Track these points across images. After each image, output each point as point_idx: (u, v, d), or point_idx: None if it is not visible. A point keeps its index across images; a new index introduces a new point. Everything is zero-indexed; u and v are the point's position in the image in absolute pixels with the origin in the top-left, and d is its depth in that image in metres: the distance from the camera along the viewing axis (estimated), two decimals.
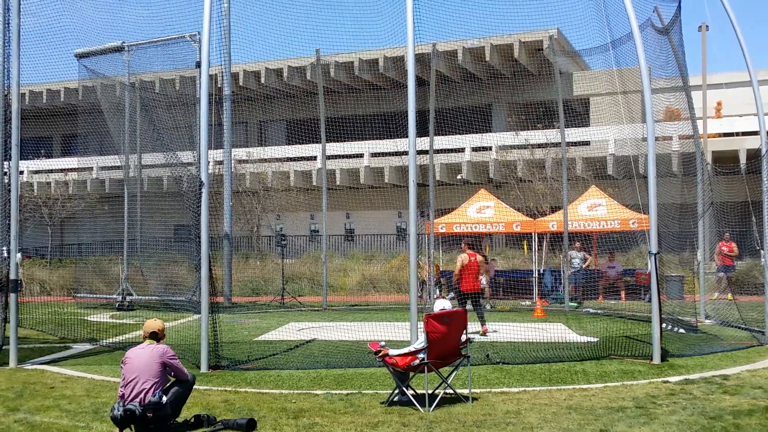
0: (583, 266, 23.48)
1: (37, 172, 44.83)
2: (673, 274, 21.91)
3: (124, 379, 7.74)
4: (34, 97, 44.45)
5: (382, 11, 13.94)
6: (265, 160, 38.72)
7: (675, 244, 18.22)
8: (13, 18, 12.66)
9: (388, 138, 33.79)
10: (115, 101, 23.06)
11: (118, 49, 22.03)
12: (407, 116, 11.55)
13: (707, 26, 32.08)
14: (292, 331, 17.00)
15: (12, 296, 12.47)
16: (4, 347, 12.69)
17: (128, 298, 22.50)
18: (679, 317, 16.45)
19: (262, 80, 40.99)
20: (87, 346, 14.48)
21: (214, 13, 12.53)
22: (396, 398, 9.08)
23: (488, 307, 21.86)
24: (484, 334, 15.55)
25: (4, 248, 12.73)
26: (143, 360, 7.76)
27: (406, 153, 11.70)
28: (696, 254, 18.35)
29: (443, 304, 9.53)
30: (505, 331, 15.84)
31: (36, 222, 38.41)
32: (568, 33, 29.12)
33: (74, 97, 34.83)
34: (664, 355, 11.90)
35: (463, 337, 9.40)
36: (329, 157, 28.63)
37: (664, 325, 13.47)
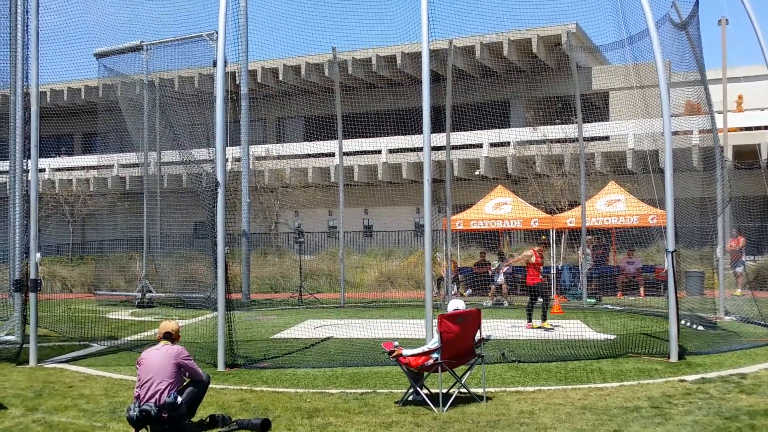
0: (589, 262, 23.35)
1: (58, 169, 45.25)
2: (692, 270, 21.74)
3: (139, 380, 7.83)
4: (55, 95, 44.87)
5: (398, 7, 13.95)
6: (283, 157, 38.85)
7: (695, 240, 18.08)
8: (32, 20, 12.78)
9: (405, 134, 33.81)
10: (134, 99, 23.24)
11: (137, 48, 22.18)
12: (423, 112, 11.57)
13: (727, 20, 31.72)
14: (308, 328, 17.07)
15: (32, 295, 12.62)
16: (24, 345, 12.85)
17: (148, 295, 22.70)
18: (699, 314, 16.33)
19: (280, 77, 41.11)
20: (107, 344, 14.63)
21: (230, 11, 12.57)
22: (410, 398, 9.11)
23: (505, 303, 21.85)
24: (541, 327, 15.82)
25: None
26: (158, 361, 7.84)
27: (422, 149, 11.71)
28: (716, 250, 18.18)
29: (457, 304, 9.52)
30: (521, 328, 15.83)
31: (58, 219, 38.80)
32: (586, 27, 28.99)
33: (95, 96, 35.13)
34: (682, 353, 11.82)
35: (478, 336, 9.39)
36: (347, 154, 28.68)
37: (682, 321, 13.39)
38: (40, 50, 12.95)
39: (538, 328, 15.82)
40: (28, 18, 12.93)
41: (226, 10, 12.16)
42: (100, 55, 21.29)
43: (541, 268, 16.66)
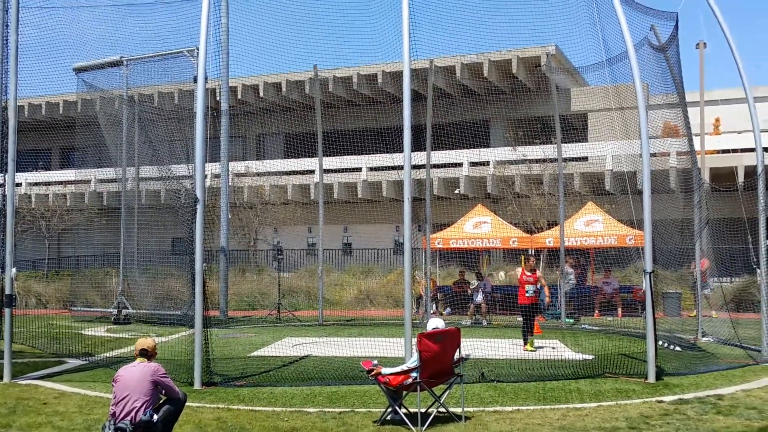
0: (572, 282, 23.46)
1: (35, 184, 44.84)
2: (670, 291, 21.87)
3: (115, 397, 7.72)
4: (33, 109, 44.56)
5: (379, 26, 13.99)
6: (263, 174, 38.75)
7: (672, 261, 18.18)
8: (11, 34, 12.71)
9: (386, 152, 33.90)
10: (113, 114, 23.09)
11: (117, 64, 22.06)
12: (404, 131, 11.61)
13: (705, 44, 32.21)
14: (287, 346, 16.96)
15: (6, 311, 12.45)
16: None
17: (124, 311, 22.45)
18: (676, 334, 16.40)
19: (261, 94, 41.12)
20: (81, 361, 14.45)
21: (211, 28, 12.57)
22: (389, 417, 9.06)
23: (484, 323, 21.85)
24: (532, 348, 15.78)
25: None
26: (134, 378, 7.74)
27: (402, 167, 11.73)
28: (693, 271, 18.32)
29: (436, 323, 9.50)
30: (500, 347, 15.79)
31: (33, 234, 38.37)
32: (566, 49, 29.23)
33: (73, 110, 34.92)
34: (660, 374, 11.87)
35: (457, 356, 9.37)
36: (327, 171, 28.63)
37: (660, 342, 13.45)
38: (19, 64, 12.87)
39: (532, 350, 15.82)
40: (7, 32, 12.85)
41: (207, 27, 12.15)
42: (79, 70, 21.13)
43: (528, 287, 16.60)
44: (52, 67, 17.68)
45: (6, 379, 12.21)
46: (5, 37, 12.89)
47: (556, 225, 23.53)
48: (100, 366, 13.83)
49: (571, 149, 29.91)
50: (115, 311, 22.54)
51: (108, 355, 15.17)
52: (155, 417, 7.69)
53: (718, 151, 37.75)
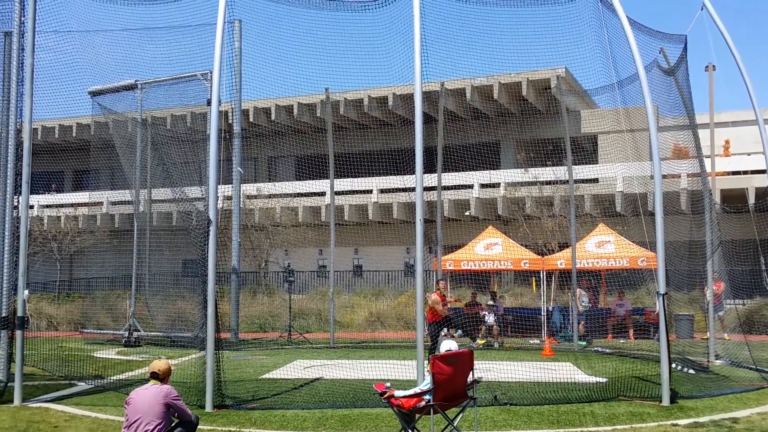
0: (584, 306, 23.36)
1: (47, 206, 45.06)
2: (682, 313, 21.74)
3: (127, 420, 7.71)
4: (46, 132, 44.89)
5: (391, 50, 14.07)
6: (274, 196, 38.87)
7: (684, 283, 18.08)
8: (27, 57, 12.86)
9: (396, 174, 33.95)
10: (127, 137, 23.27)
11: (131, 87, 22.27)
12: (415, 153, 11.65)
13: (714, 66, 32.21)
14: (298, 369, 16.93)
15: (18, 333, 12.48)
16: (9, 384, 12.67)
17: (135, 334, 22.46)
18: (689, 357, 16.28)
19: (273, 117, 41.33)
20: (93, 384, 14.43)
21: (225, 52, 12.68)
22: None
23: (496, 345, 21.75)
24: None
25: None
26: (146, 401, 7.73)
27: (414, 189, 11.75)
28: (705, 293, 18.21)
29: (449, 345, 9.46)
30: (513, 370, 15.73)
31: (45, 256, 38.53)
32: (575, 71, 29.26)
33: (86, 133, 35.19)
34: (674, 397, 11.78)
35: (470, 378, 9.32)
36: (338, 193, 28.71)
37: (673, 365, 13.36)
38: (34, 87, 13.01)
39: None
40: (23, 55, 13.01)
41: (221, 51, 12.26)
42: (94, 93, 21.35)
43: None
44: (66, 90, 17.85)
45: (17, 401, 12.19)
46: (21, 61, 13.05)
47: (568, 247, 23.47)
48: (111, 389, 13.81)
49: (582, 171, 29.91)
50: (126, 333, 22.55)
51: (119, 377, 15.15)
52: None
53: (728, 173, 37.63)
